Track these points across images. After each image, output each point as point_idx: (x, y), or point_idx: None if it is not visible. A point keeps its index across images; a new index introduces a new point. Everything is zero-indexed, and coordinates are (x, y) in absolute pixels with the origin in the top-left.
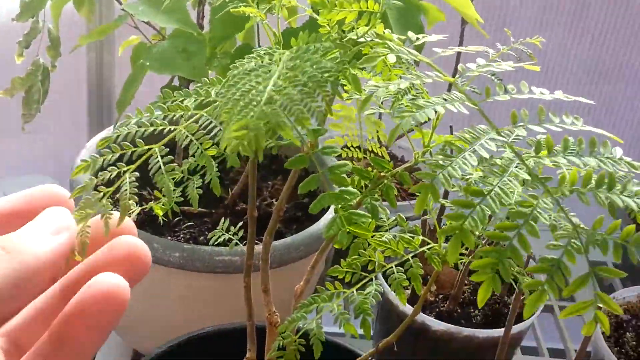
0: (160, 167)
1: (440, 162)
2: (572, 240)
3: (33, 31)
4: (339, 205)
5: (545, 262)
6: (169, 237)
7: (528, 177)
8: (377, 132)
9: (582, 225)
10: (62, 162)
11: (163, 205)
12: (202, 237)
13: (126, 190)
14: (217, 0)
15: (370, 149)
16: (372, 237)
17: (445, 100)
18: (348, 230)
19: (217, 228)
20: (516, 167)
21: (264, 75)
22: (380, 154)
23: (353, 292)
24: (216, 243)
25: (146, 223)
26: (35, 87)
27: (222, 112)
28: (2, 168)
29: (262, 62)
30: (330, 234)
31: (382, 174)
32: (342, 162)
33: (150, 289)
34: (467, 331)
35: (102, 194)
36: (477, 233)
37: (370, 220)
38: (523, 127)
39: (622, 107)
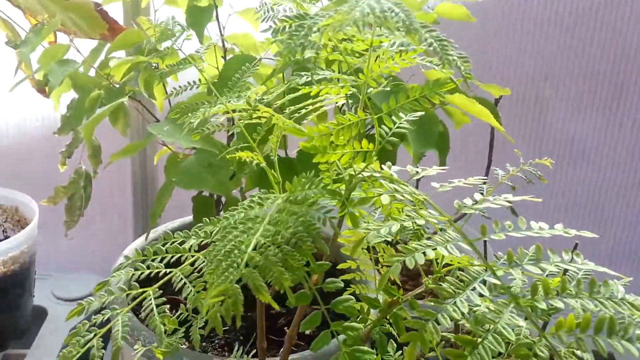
0: (152, 310)
1: (431, 309)
2: None
3: (75, 141)
4: (343, 342)
5: None
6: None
7: (522, 325)
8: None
9: None
10: (110, 260)
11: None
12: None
13: (118, 330)
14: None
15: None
16: None
17: (438, 242)
18: None
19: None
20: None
21: (249, 232)
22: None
23: None
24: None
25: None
26: (78, 195)
27: (206, 274)
28: (52, 266)
29: (251, 212)
30: None
31: (392, 299)
32: (346, 296)
33: None
34: None
35: (93, 334)
36: None
37: (375, 356)
38: (519, 268)
39: None
